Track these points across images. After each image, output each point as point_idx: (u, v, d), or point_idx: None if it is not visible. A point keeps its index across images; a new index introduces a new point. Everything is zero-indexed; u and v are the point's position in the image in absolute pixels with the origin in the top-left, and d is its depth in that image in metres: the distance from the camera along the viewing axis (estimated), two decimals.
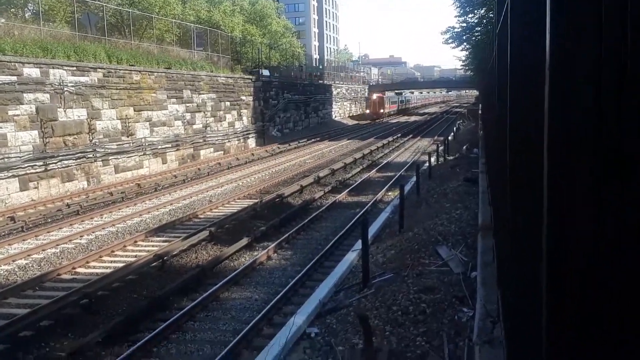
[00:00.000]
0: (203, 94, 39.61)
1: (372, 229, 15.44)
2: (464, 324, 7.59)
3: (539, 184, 2.13)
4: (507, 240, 4.56)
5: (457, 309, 8.14)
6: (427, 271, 10.02)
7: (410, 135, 53.47)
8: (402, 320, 8.19)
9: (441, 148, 32.84)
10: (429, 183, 22.14)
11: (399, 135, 52.99)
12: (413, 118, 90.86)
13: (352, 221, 17.91)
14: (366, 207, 20.60)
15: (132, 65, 33.29)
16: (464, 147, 31.99)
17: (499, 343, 5.50)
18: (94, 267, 14.44)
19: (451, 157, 31.01)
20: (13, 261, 14.79)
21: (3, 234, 17.69)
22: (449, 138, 40.86)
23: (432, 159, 27.10)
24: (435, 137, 49.53)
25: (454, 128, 54.68)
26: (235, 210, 20.22)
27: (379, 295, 9.43)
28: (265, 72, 54.22)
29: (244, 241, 15.77)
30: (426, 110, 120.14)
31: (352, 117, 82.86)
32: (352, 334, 8.31)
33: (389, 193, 23.52)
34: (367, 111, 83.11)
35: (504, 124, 5.15)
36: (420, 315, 8.19)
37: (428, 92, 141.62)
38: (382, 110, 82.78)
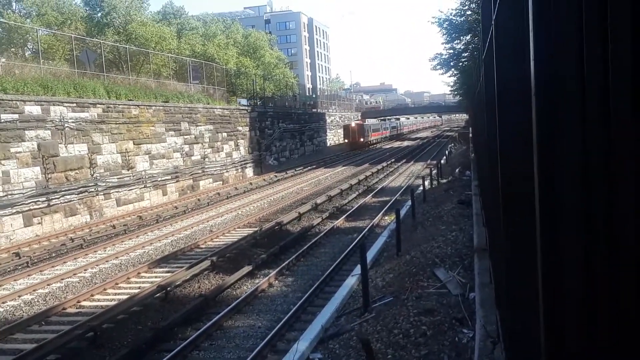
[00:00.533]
0: (200, 125, 39.79)
1: (371, 254, 15.43)
2: (465, 345, 7.56)
3: (530, 205, 2.17)
4: (503, 262, 4.58)
5: (457, 331, 8.12)
6: (426, 294, 10.01)
7: (404, 160, 53.62)
8: (403, 343, 8.17)
9: (434, 172, 32.96)
10: (424, 206, 22.18)
11: (393, 160, 53.14)
12: (406, 143, 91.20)
13: (350, 246, 17.90)
14: (363, 232, 20.60)
15: (130, 100, 33.48)
16: (457, 170, 32.12)
17: None
18: (99, 300, 14.37)
19: (444, 180, 31.10)
20: (19, 297, 14.71)
21: (9, 269, 17.61)
22: (442, 162, 41.02)
23: (426, 183, 27.20)
24: (428, 161, 49.71)
25: (446, 151, 54.93)
26: (235, 239, 20.18)
27: (380, 319, 9.41)
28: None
29: (245, 269, 15.73)
30: (418, 135, 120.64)
31: (346, 144, 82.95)
32: (355, 358, 8.27)
33: (385, 217, 23.54)
34: (346, 140, 73.67)
35: (494, 146, 5.21)
36: (421, 337, 8.17)
37: (419, 118, 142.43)
38: (362, 139, 72.68)
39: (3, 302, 14.26)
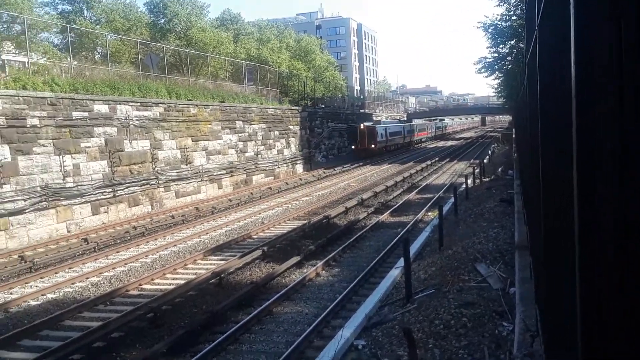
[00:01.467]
0: (254, 124, 40.26)
1: (414, 248, 15.34)
2: (504, 338, 7.46)
3: (570, 205, 2.15)
4: (543, 259, 4.51)
5: (497, 324, 8.01)
6: (467, 287, 9.90)
7: (448, 159, 52.94)
8: (444, 333, 8.11)
9: (477, 170, 32.43)
10: (466, 204, 21.88)
11: (437, 159, 52.54)
12: (450, 143, 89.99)
13: (394, 240, 17.82)
14: (407, 226, 20.47)
15: (189, 100, 34.11)
16: (499, 169, 31.51)
17: (539, 356, 5.41)
18: (158, 284, 14.75)
19: (487, 179, 30.56)
20: (87, 278, 15.25)
21: (78, 253, 18.25)
22: (485, 161, 40.31)
23: (469, 181, 26.79)
24: (472, 161, 48.94)
25: (489, 151, 53.94)
26: (285, 231, 20.37)
27: (422, 310, 9.36)
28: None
29: (294, 259, 15.86)
30: (462, 136, 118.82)
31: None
32: (397, 346, 8.26)
33: (429, 213, 23.32)
34: (353, 147, 58.50)
35: (536, 147, 5.13)
36: (461, 329, 8.09)
37: (463, 119, 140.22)
38: (373, 145, 57.59)
39: (73, 283, 14.80)
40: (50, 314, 12.35)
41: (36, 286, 14.74)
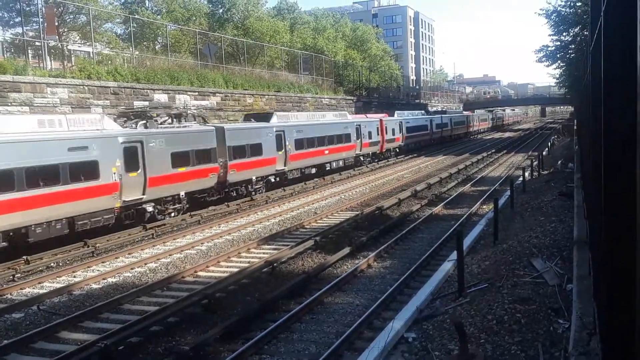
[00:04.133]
0: None
1: (467, 241, 15.08)
2: (560, 335, 7.25)
3: (633, 199, 2.05)
4: (603, 254, 4.34)
5: (552, 320, 7.79)
6: (521, 282, 9.66)
7: (504, 151, 51.72)
8: (497, 329, 7.95)
9: (535, 163, 31.54)
10: (523, 197, 21.33)
11: (493, 150, 51.43)
12: (507, 134, 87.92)
13: (448, 233, 17.56)
14: (461, 219, 20.13)
15: (246, 90, 34.58)
16: (559, 162, 30.54)
17: (595, 355, 5.23)
18: (213, 271, 15.04)
19: (545, 172, 29.69)
20: (145, 264, 15.71)
21: (137, 240, 18.82)
22: (544, 153, 39.17)
23: (526, 174, 26.10)
24: (530, 153, 47.66)
25: (549, 143, 52.35)
26: (338, 222, 20.40)
27: (474, 304, 9.20)
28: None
29: (346, 250, 15.86)
30: (520, 127, 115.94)
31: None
32: (448, 340, 8.15)
33: (484, 206, 22.87)
34: None
35: (599, 138, 4.92)
36: (515, 324, 7.91)
37: (522, 109, 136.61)
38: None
39: (132, 269, 15.28)
40: (110, 297, 12.79)
41: (98, 270, 15.30)
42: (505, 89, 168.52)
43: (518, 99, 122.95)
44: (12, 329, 11.17)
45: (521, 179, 25.40)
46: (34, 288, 13.84)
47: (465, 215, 20.76)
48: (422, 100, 79.14)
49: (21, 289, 13.72)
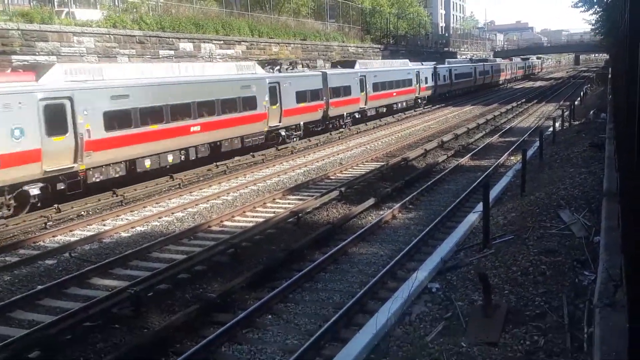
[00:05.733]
0: None
1: (494, 192, 14.95)
2: (585, 287, 7.22)
3: None
4: (634, 206, 4.25)
5: (578, 272, 7.75)
6: (548, 234, 9.59)
7: (535, 101, 50.60)
8: (521, 280, 7.95)
9: (566, 113, 30.83)
10: (552, 148, 20.96)
11: (523, 100, 50.36)
12: (538, 83, 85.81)
13: (474, 184, 17.42)
14: (488, 171, 19.93)
15: (271, 38, 34.17)
16: (591, 112, 29.77)
17: (621, 307, 5.19)
18: (238, 221, 15.23)
19: (577, 123, 29.01)
20: (172, 213, 15.98)
21: (164, 189, 19.10)
22: (575, 103, 38.22)
23: (557, 124, 25.54)
24: (561, 102, 46.57)
25: (581, 93, 51.00)
26: (363, 172, 20.38)
27: (499, 256, 9.19)
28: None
29: (371, 201, 15.88)
30: (552, 76, 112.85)
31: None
32: (472, 290, 8.19)
33: (511, 157, 22.57)
34: None
35: (634, 88, 4.75)
36: (539, 276, 7.90)
37: (555, 57, 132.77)
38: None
39: (159, 218, 15.56)
40: (139, 245, 13.09)
41: (126, 219, 15.62)
42: (538, 35, 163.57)
43: (551, 47, 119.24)
44: (45, 274, 11.55)
45: (551, 129, 24.89)
46: (65, 235, 14.22)
47: (492, 167, 20.55)
48: (450, 49, 77.36)
49: (53, 236, 14.12)
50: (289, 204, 16.76)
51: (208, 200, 17.30)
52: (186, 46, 27.83)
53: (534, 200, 12.36)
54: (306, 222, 14.75)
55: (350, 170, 21.71)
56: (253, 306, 9.16)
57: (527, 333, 6.55)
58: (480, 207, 11.60)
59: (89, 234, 14.21)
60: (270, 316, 9.19)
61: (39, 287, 10.65)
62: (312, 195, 17.22)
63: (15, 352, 7.87)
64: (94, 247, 13.24)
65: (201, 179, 20.73)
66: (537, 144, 20.55)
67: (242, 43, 31.56)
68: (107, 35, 24.93)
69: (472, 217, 12.66)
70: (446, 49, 75.09)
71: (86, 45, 23.84)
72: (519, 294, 7.57)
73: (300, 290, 10.23)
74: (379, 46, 51.98)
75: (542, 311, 6.97)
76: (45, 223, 15.11)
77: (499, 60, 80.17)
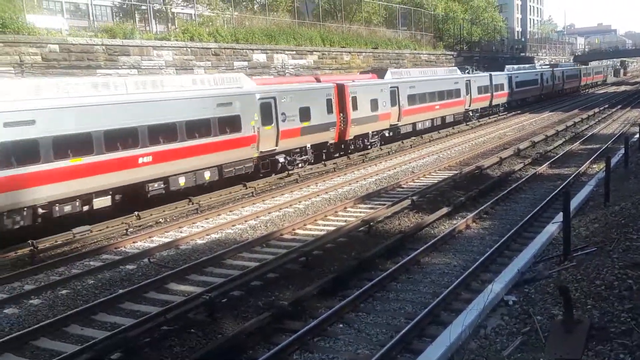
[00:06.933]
0: None
1: (575, 202, 14.32)
2: None
3: None
4: None
5: None
6: (634, 247, 9.08)
7: (619, 106, 48.28)
8: (605, 294, 7.55)
9: None
10: (638, 155, 19.88)
11: (606, 106, 48.19)
12: (622, 87, 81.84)
13: (553, 193, 16.76)
14: (568, 179, 19.12)
15: (343, 47, 34.34)
16: None
17: None
18: (310, 229, 15.33)
19: None
20: (245, 221, 16.29)
21: (237, 198, 19.50)
22: None
23: None
24: None
25: None
26: (435, 181, 20.07)
27: (581, 269, 8.77)
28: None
29: (444, 210, 15.59)
30: (638, 80, 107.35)
31: None
32: (551, 304, 7.86)
33: (594, 166, 21.58)
34: None
35: None
36: (625, 291, 7.47)
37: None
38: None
39: (233, 225, 15.90)
40: (213, 252, 13.44)
41: (202, 226, 16.06)
42: (622, 38, 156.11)
43: (636, 50, 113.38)
44: (126, 279, 12.05)
45: (637, 136, 23.63)
46: (144, 242, 14.80)
47: (572, 175, 19.72)
48: (527, 54, 75.10)
49: (134, 242, 14.73)
50: (360, 212, 16.73)
51: (280, 209, 17.52)
52: (259, 57, 28.44)
53: (619, 211, 11.74)
54: (377, 230, 14.66)
55: (422, 178, 21.43)
56: (324, 314, 9.16)
57: (612, 351, 6.20)
58: (560, 217, 11.16)
59: (166, 240, 14.72)
60: (341, 325, 9.16)
61: (120, 291, 11.11)
62: (384, 204, 17.11)
63: (98, 352, 8.23)
64: (171, 253, 13.68)
65: (273, 187, 21.03)
66: (622, 151, 19.57)
67: (314, 53, 31.91)
68: (185, 48, 25.85)
69: (552, 228, 12.17)
70: (523, 54, 72.96)
71: (165, 59, 24.83)
72: (603, 309, 7.19)
73: (371, 299, 10.16)
74: (452, 53, 51.20)
75: (629, 328, 6.58)
76: (127, 229, 15.78)
77: (578, 64, 76.70)
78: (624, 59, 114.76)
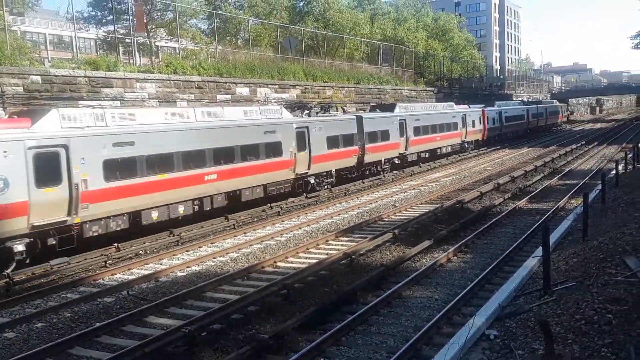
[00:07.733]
0: None
1: (554, 237, 14.49)
2: None
3: None
4: None
5: None
6: (613, 281, 9.17)
7: (596, 143, 49.27)
8: (585, 329, 7.59)
9: (630, 155, 29.77)
10: (615, 191, 20.22)
11: (583, 142, 49.09)
12: (599, 125, 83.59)
13: (532, 228, 16.95)
14: (547, 214, 19.35)
15: (325, 82, 34.74)
16: None
17: None
18: (291, 262, 15.25)
19: None
20: (226, 254, 16.16)
21: (219, 230, 19.38)
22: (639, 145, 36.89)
23: (620, 167, 24.68)
24: (624, 145, 45.06)
25: None
26: (417, 215, 20.15)
27: (561, 303, 8.83)
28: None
29: (425, 243, 15.65)
30: (613, 117, 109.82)
31: None
32: (532, 339, 7.87)
33: (572, 201, 21.86)
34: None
35: None
36: (605, 325, 7.52)
37: (615, 99, 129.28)
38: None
39: (214, 258, 15.75)
40: (194, 284, 13.25)
41: (182, 258, 15.88)
42: (597, 77, 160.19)
43: (610, 88, 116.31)
44: (104, 312, 11.81)
45: (614, 172, 24.07)
46: (123, 274, 14.58)
47: (551, 210, 19.95)
48: (506, 91, 76.56)
49: (112, 274, 14.50)
50: (342, 245, 16.70)
51: (262, 241, 17.43)
52: (242, 90, 28.62)
53: (598, 246, 11.89)
54: (359, 263, 14.62)
55: (404, 212, 21.51)
56: (305, 348, 9.05)
57: None
58: (539, 251, 11.26)
59: (146, 272, 14.50)
60: (322, 359, 9.06)
61: (98, 324, 10.88)
62: (366, 237, 17.11)
63: None
64: (150, 286, 13.47)
65: (255, 219, 20.95)
66: (599, 187, 19.89)
67: (297, 87, 32.22)
68: (168, 81, 25.94)
69: (532, 262, 12.26)
70: (501, 91, 74.40)
71: (148, 91, 24.86)
72: (584, 343, 7.22)
73: (353, 333, 10.08)
74: (433, 89, 52.04)
75: None
76: (105, 261, 15.54)
77: (555, 102, 78.66)
78: (600, 97, 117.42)
